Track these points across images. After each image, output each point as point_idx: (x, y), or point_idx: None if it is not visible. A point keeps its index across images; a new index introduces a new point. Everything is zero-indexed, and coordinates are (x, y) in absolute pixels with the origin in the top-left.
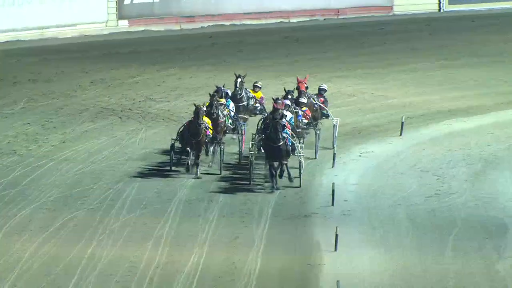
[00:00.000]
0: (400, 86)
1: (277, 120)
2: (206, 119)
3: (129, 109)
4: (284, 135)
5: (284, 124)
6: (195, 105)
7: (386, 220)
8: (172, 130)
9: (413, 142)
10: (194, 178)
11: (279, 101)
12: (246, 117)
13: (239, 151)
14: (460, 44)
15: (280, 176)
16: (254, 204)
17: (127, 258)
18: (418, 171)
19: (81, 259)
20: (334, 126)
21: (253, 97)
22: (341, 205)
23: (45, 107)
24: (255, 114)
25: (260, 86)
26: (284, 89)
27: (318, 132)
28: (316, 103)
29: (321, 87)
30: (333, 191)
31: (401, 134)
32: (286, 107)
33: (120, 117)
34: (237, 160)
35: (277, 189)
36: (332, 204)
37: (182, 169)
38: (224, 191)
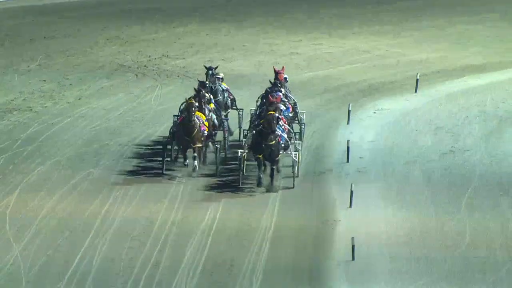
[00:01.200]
0: (415, 43)
1: (270, 113)
2: (199, 115)
3: (145, 66)
4: (278, 131)
5: (278, 117)
6: (186, 100)
7: (402, 177)
8: (188, 87)
9: (429, 99)
10: (192, 170)
11: (275, 94)
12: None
13: (217, 146)
14: (477, 1)
15: (271, 177)
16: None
17: (143, 216)
18: (433, 128)
19: (97, 216)
20: (300, 119)
21: (227, 90)
22: (356, 162)
23: (61, 64)
24: (232, 109)
25: (221, 77)
26: (270, 81)
27: (303, 126)
28: (288, 95)
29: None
30: (348, 148)
31: (416, 91)
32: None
33: (136, 74)
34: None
35: (273, 191)
36: (347, 161)
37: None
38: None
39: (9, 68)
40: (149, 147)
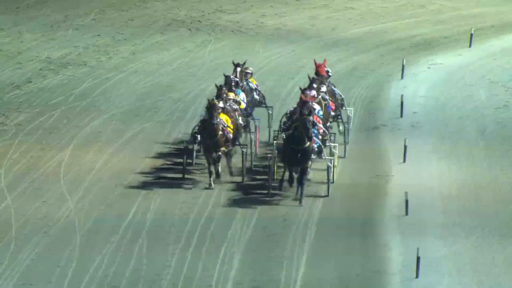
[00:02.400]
0: None
1: (304, 116)
2: (224, 117)
3: (198, 21)
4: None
5: (314, 121)
6: (208, 100)
7: (455, 131)
8: (240, 42)
9: (483, 54)
10: (207, 188)
11: (308, 92)
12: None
13: (250, 153)
14: None
15: (301, 184)
16: None
17: (196, 171)
18: (487, 82)
19: (150, 171)
20: (348, 117)
21: (256, 88)
22: (410, 116)
23: (115, 19)
24: (261, 107)
25: (251, 72)
26: (308, 77)
27: (346, 125)
28: (335, 90)
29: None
30: (401, 102)
31: (470, 46)
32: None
33: (190, 29)
34: (249, 164)
35: (300, 201)
36: (401, 116)
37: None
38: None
39: (64, 22)
40: (203, 101)
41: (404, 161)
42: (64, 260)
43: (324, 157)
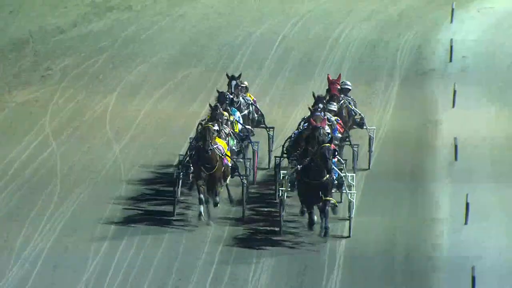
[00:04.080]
0: None
1: (324, 146)
2: (220, 142)
3: None
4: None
5: (335, 150)
6: (201, 124)
7: (505, 77)
8: None
9: None
10: (205, 225)
11: (319, 115)
12: (250, 128)
13: (244, 182)
14: None
15: (325, 226)
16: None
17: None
18: None
19: (196, 117)
20: (370, 138)
21: (253, 103)
22: (459, 61)
23: None
24: (259, 127)
25: (245, 85)
26: (313, 95)
27: (356, 149)
28: (352, 108)
29: (343, 86)
30: (451, 47)
31: None
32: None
33: None
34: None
35: (327, 236)
36: (450, 61)
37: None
38: None
39: None
40: (250, 46)
41: (453, 106)
42: (110, 208)
43: (345, 191)
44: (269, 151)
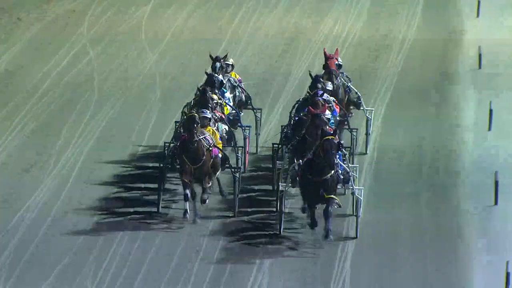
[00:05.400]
0: None
1: (328, 139)
2: (210, 131)
3: None
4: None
5: (339, 143)
6: (184, 113)
7: None
8: None
9: None
10: (191, 223)
11: (319, 99)
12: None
13: (236, 175)
14: None
15: (328, 228)
16: None
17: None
18: None
19: (227, 29)
20: (367, 119)
21: (239, 85)
22: None
23: None
24: (246, 108)
25: (231, 63)
26: (310, 74)
27: (354, 134)
28: (348, 86)
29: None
30: None
31: None
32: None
33: None
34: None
35: (328, 238)
36: None
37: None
38: None
39: None
40: None
41: (478, 15)
42: (144, 116)
43: (351, 187)
44: (257, 134)
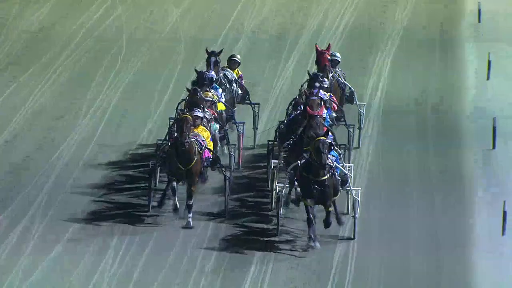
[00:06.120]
0: None
1: (319, 139)
2: (201, 131)
3: None
4: (331, 159)
5: (332, 143)
6: (178, 112)
7: None
8: None
9: None
10: (184, 228)
11: (315, 98)
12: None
13: (226, 175)
14: None
15: (326, 225)
16: None
17: None
18: None
19: None
20: (360, 114)
21: (235, 79)
22: None
23: None
24: (244, 103)
25: (238, 60)
26: (308, 73)
27: (351, 130)
28: (342, 81)
29: (333, 57)
30: None
31: None
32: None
33: None
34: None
35: (315, 246)
36: None
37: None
38: None
39: None
40: None
41: None
42: (167, 71)
43: (348, 188)
44: (254, 129)
